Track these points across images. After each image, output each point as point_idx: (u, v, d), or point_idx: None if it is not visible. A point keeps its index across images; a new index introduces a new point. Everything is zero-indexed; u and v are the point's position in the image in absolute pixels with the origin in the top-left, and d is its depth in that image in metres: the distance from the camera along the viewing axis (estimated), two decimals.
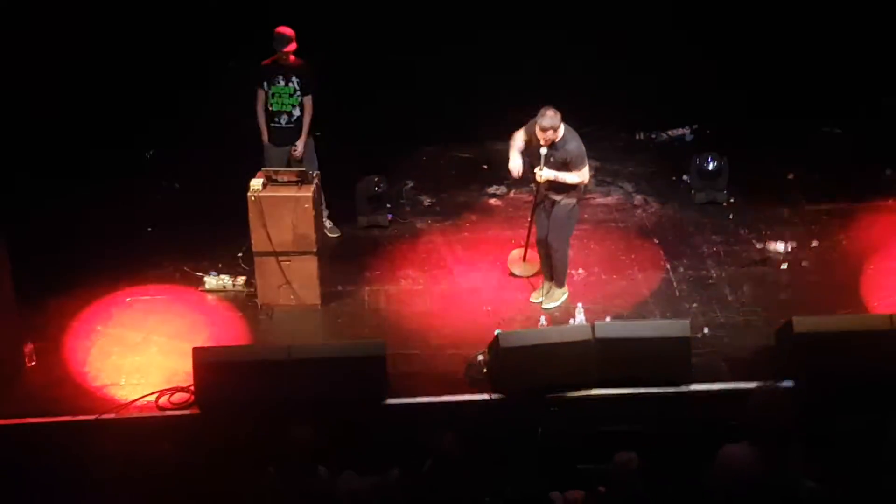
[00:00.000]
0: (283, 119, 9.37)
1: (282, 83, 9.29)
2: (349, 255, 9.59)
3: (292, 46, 9.17)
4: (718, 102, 11.28)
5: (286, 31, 9.17)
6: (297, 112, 9.34)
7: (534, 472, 6.15)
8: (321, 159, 9.57)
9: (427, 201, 10.58)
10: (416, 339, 8.45)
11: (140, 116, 10.85)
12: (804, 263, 9.39)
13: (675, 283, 9.14)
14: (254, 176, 8.73)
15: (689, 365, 7.83)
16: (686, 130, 11.80)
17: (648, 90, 11.31)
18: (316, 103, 9.35)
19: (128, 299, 8.99)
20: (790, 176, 10.71)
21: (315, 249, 8.69)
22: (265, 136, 9.41)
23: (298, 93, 9.30)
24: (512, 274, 9.21)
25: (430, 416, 7.57)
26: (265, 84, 9.30)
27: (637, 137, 11.75)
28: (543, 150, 8.26)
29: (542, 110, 8.16)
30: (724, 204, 10.27)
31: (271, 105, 9.34)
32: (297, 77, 9.27)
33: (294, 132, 9.36)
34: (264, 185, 8.64)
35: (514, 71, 11.16)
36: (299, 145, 9.33)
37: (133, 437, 7.55)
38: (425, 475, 6.26)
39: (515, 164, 8.41)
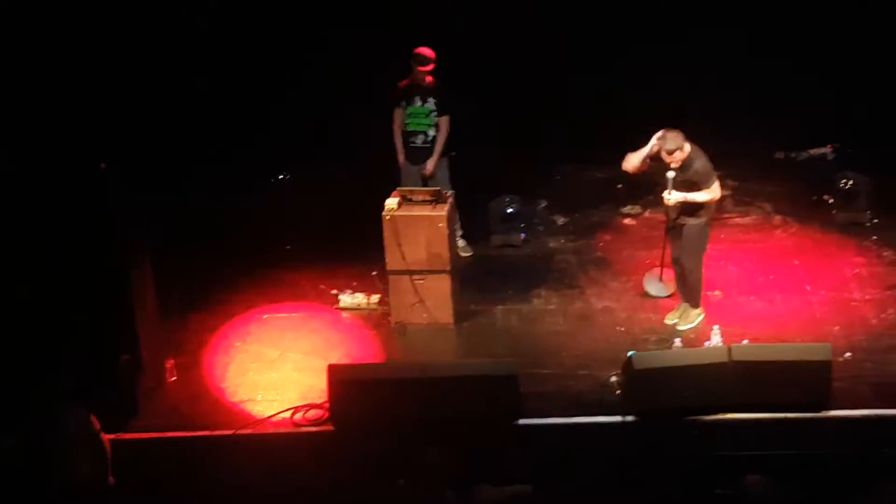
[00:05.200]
0: (420, 139, 9.47)
1: (419, 104, 9.40)
2: (482, 274, 9.61)
3: (430, 67, 9.26)
4: (861, 121, 10.95)
5: (426, 51, 9.28)
6: (432, 132, 9.44)
7: (670, 495, 6.03)
8: (454, 179, 9.62)
9: (560, 220, 10.54)
10: (548, 358, 8.39)
11: (275, 138, 11.08)
12: None
13: (815, 306, 8.88)
14: (389, 195, 8.83)
15: (830, 389, 7.58)
16: (828, 149, 11.52)
17: (789, 108, 11.05)
18: (452, 124, 9.42)
19: (265, 316, 9.18)
20: None
21: (448, 268, 8.73)
22: (401, 157, 9.51)
23: (434, 113, 9.39)
24: (647, 294, 9.09)
25: (563, 438, 7.49)
26: (403, 104, 9.41)
27: (776, 156, 11.50)
28: (671, 174, 8.17)
29: (662, 133, 8.07)
30: (868, 224, 10.02)
31: (408, 125, 9.44)
32: (433, 97, 9.37)
33: (430, 152, 9.45)
34: (399, 205, 8.73)
35: (648, 88, 11.02)
36: (429, 164, 9.41)
37: (269, 452, 7.67)
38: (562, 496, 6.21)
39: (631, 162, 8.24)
